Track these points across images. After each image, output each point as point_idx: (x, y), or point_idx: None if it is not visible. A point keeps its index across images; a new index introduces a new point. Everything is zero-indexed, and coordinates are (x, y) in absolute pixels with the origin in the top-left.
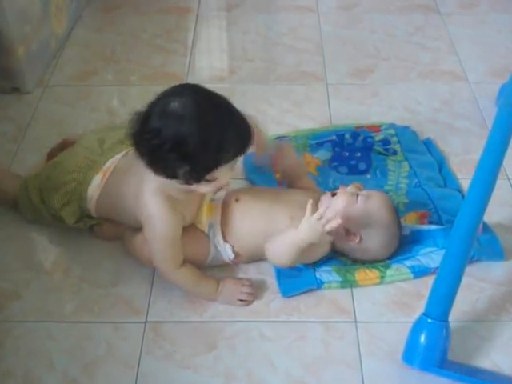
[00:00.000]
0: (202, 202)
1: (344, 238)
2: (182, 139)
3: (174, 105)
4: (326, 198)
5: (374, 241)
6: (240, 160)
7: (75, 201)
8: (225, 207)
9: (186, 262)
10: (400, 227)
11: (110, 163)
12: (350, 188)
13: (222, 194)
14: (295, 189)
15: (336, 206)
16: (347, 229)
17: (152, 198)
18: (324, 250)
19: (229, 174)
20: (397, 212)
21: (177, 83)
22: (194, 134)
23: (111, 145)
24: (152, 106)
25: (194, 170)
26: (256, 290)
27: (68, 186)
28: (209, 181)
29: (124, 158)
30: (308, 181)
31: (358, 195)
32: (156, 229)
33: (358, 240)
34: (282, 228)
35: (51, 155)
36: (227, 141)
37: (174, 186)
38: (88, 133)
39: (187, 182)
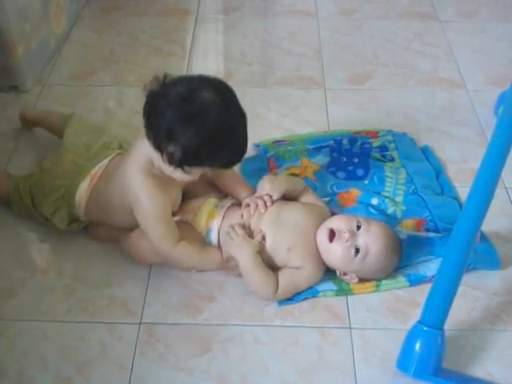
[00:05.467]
0: (182, 190)
1: (341, 276)
2: (189, 128)
3: (203, 96)
4: (323, 236)
5: (372, 277)
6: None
7: (64, 207)
8: (229, 217)
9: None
10: (400, 256)
11: (98, 168)
12: (346, 226)
13: (227, 202)
14: (301, 206)
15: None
16: (345, 272)
17: (135, 177)
18: (317, 276)
19: (200, 174)
20: (397, 246)
21: None
22: (203, 133)
23: (97, 149)
24: (182, 81)
25: (179, 156)
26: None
27: (57, 192)
28: (184, 171)
29: (112, 161)
30: (311, 196)
31: (356, 247)
32: (145, 207)
33: (356, 281)
34: (279, 260)
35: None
36: (224, 153)
37: (154, 162)
38: (69, 133)
39: (168, 161)
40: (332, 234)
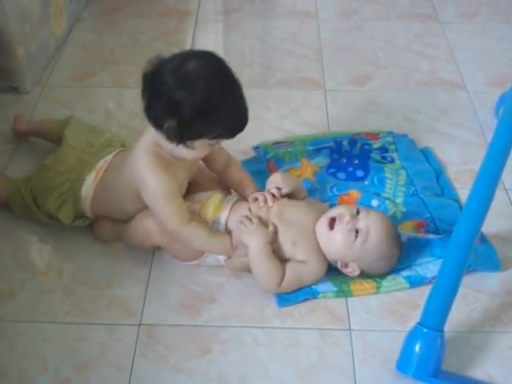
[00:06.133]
0: (189, 178)
1: (342, 269)
2: (182, 97)
3: (190, 65)
4: (323, 225)
5: (374, 269)
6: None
7: (70, 201)
8: (236, 211)
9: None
10: (401, 248)
11: (103, 163)
12: (346, 210)
13: (233, 197)
14: (305, 204)
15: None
16: (345, 262)
17: (142, 158)
18: (321, 270)
19: (206, 150)
20: (397, 235)
21: None
22: (196, 99)
23: (100, 146)
24: (173, 57)
25: (178, 128)
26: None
27: (62, 186)
28: (188, 146)
29: (116, 157)
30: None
31: (356, 231)
32: (151, 187)
33: (356, 273)
34: (285, 254)
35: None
36: (221, 119)
37: (160, 143)
38: (70, 132)
39: (168, 138)
40: (333, 222)
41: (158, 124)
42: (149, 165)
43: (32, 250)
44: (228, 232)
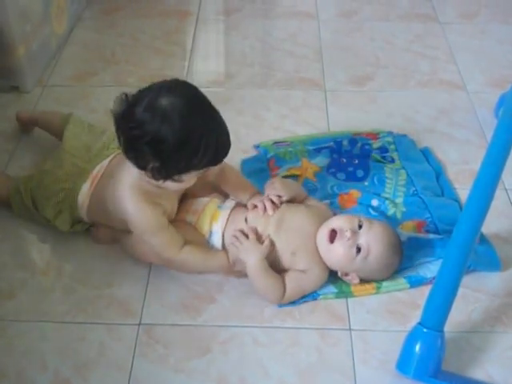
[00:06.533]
0: (179, 197)
1: (342, 276)
2: (161, 138)
3: (164, 101)
4: (324, 236)
5: (374, 277)
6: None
7: (66, 210)
8: (233, 220)
9: (187, 242)
10: (402, 255)
11: (98, 169)
12: (348, 225)
13: (230, 203)
14: (305, 208)
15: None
16: (346, 272)
17: (126, 192)
18: (323, 277)
19: (194, 179)
20: (399, 245)
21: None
22: (174, 136)
23: (97, 151)
24: (142, 95)
25: (163, 168)
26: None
27: (58, 195)
28: (175, 180)
29: (112, 162)
30: (313, 200)
31: (357, 246)
32: (138, 222)
33: (356, 281)
34: (284, 263)
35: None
36: (204, 150)
37: (145, 179)
38: (69, 136)
39: (153, 177)
40: (333, 234)
41: (140, 165)
42: (130, 200)
43: (32, 249)
44: (226, 242)
